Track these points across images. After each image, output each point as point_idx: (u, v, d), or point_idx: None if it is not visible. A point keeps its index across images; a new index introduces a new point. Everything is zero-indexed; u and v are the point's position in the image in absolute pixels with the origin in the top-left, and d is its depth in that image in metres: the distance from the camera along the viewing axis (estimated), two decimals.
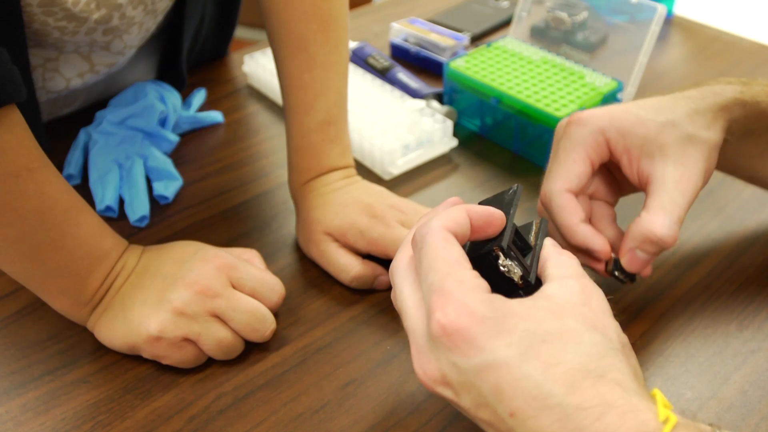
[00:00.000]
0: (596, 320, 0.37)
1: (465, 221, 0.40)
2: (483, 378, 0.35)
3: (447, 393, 0.37)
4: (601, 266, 0.52)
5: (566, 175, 0.51)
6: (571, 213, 0.51)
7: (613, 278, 0.53)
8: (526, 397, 0.34)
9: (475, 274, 0.38)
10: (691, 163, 0.50)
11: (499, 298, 0.37)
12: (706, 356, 0.53)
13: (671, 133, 0.50)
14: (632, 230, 0.50)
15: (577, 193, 0.52)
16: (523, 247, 0.43)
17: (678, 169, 0.49)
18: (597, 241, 0.51)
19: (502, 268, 0.39)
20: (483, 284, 0.37)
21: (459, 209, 0.40)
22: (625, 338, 0.38)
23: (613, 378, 0.34)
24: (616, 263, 0.52)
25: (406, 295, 0.40)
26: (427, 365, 0.37)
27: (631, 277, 0.52)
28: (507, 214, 0.41)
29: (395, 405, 0.50)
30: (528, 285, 0.40)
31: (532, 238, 0.44)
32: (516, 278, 0.40)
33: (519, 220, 0.44)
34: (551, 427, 0.34)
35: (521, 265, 0.40)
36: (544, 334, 0.35)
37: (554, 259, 0.41)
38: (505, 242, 0.40)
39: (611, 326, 0.37)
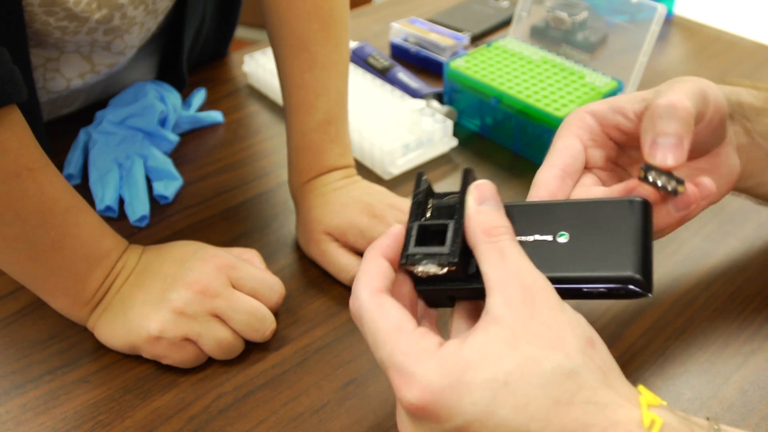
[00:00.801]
0: (549, 332, 0.35)
1: (384, 267, 0.39)
2: None
3: None
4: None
5: (550, 156, 0.48)
6: (537, 188, 0.46)
7: (656, 188, 0.42)
8: None
9: (419, 333, 0.37)
10: (685, 82, 0.45)
11: (449, 355, 0.35)
12: (706, 356, 0.53)
13: (668, 83, 0.46)
14: (643, 125, 0.44)
15: (567, 170, 0.47)
16: (442, 228, 0.40)
17: (672, 85, 0.45)
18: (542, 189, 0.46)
19: (421, 275, 0.39)
20: (429, 346, 0.36)
21: (372, 263, 0.40)
22: (583, 332, 0.36)
23: (582, 398, 0.34)
24: (647, 168, 0.42)
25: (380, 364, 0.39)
26: (408, 430, 0.38)
27: (675, 179, 0.41)
28: (411, 217, 0.40)
29: (395, 405, 0.50)
30: (459, 265, 0.38)
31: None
32: (439, 272, 0.38)
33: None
34: None
35: (436, 256, 0.38)
36: (505, 377, 0.34)
37: (481, 248, 0.38)
38: (403, 258, 0.39)
39: (565, 330, 0.35)
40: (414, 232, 0.40)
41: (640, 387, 0.36)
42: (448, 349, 0.36)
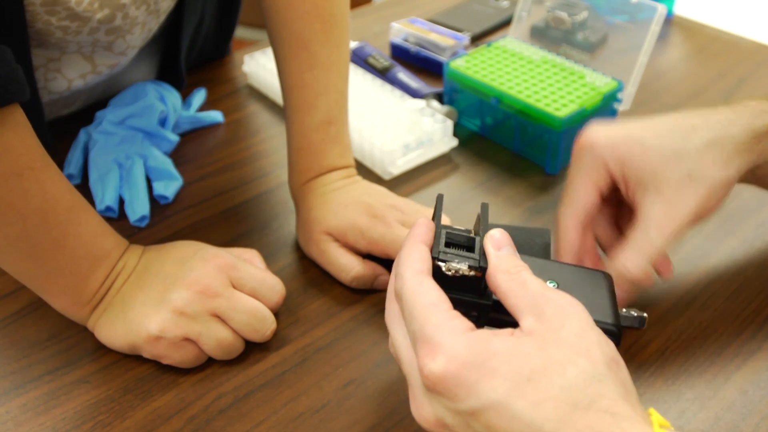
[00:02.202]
0: (578, 341, 0.36)
1: (424, 252, 0.42)
2: (476, 419, 0.36)
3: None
4: None
5: (572, 203, 0.52)
6: (565, 245, 0.53)
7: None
8: None
9: (454, 314, 0.38)
10: (682, 203, 0.49)
11: (479, 339, 0.37)
12: (706, 356, 0.53)
13: (671, 168, 0.49)
14: (609, 265, 0.50)
15: (586, 221, 0.53)
16: (468, 243, 0.44)
17: (664, 207, 0.49)
18: (568, 247, 0.52)
19: (447, 272, 0.41)
20: (460, 325, 0.38)
21: (413, 248, 0.42)
22: (610, 350, 0.37)
23: (601, 407, 0.34)
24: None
25: (398, 343, 0.41)
26: (423, 410, 0.39)
27: (640, 321, 0.50)
28: (437, 223, 0.44)
29: (395, 405, 0.50)
30: (483, 276, 0.41)
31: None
32: (467, 272, 0.41)
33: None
34: None
35: (468, 259, 0.42)
36: (529, 373, 0.35)
37: (505, 286, 0.40)
38: (435, 251, 0.42)
39: (594, 344, 0.36)
40: (443, 237, 0.43)
41: (651, 410, 0.36)
42: (479, 334, 0.37)
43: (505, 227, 0.44)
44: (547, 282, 0.45)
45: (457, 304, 0.41)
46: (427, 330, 0.37)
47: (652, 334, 0.54)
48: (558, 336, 0.36)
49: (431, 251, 0.42)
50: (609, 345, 0.37)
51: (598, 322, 0.40)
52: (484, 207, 0.46)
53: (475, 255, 0.42)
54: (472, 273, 0.41)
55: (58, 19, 0.58)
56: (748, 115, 0.50)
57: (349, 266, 0.58)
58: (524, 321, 0.38)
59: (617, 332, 0.43)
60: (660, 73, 0.89)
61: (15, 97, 0.45)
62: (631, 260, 0.49)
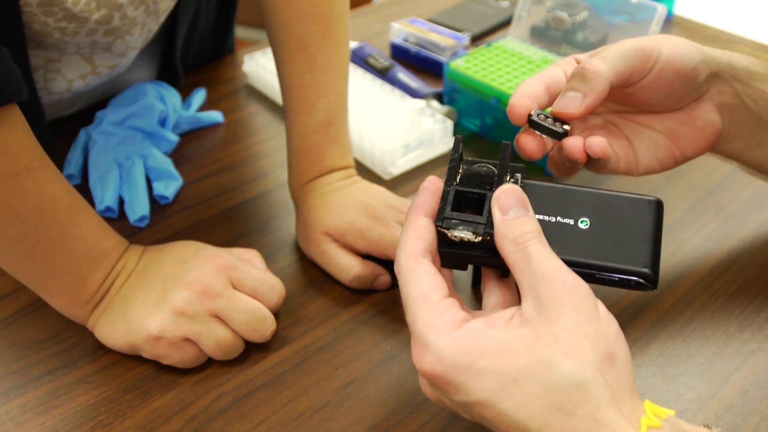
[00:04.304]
0: (570, 339, 0.36)
1: (423, 228, 0.41)
2: (469, 410, 0.38)
3: (449, 409, 0.41)
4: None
5: (536, 75, 0.50)
6: (523, 84, 0.49)
7: (534, 126, 0.47)
8: (509, 427, 0.36)
9: (445, 305, 0.38)
10: (643, 43, 0.48)
11: (468, 336, 0.37)
12: (706, 356, 0.53)
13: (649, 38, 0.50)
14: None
15: (549, 86, 0.49)
16: (479, 197, 0.41)
17: (618, 46, 0.48)
18: (520, 89, 0.48)
19: (453, 239, 0.40)
20: (449, 321, 0.37)
21: (412, 225, 0.41)
22: (605, 345, 0.36)
23: (584, 413, 0.34)
24: (539, 110, 0.47)
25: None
26: (425, 388, 0.41)
27: (559, 130, 0.47)
28: (447, 181, 0.42)
29: (395, 405, 0.50)
30: (491, 235, 0.40)
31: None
32: (473, 239, 0.40)
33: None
34: None
35: (475, 224, 0.40)
36: (516, 373, 0.35)
37: (511, 258, 0.39)
38: (439, 219, 0.40)
39: (587, 341, 0.36)
40: (451, 197, 0.41)
41: (646, 402, 0.36)
42: (468, 330, 0.37)
43: (604, 194, 0.42)
44: (579, 221, 0.42)
45: (475, 259, 0.41)
46: (417, 327, 0.38)
47: (653, 334, 0.54)
48: (551, 332, 0.36)
49: (436, 217, 0.40)
50: (606, 338, 0.36)
51: (624, 272, 0.39)
52: (504, 148, 0.43)
53: (483, 218, 0.40)
54: (479, 239, 0.40)
55: (56, 20, 0.58)
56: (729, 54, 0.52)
57: (348, 266, 0.58)
58: (525, 303, 0.38)
59: (650, 275, 0.40)
60: None
61: (12, 97, 0.45)
62: (591, 58, 0.48)
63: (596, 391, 0.35)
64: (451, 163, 0.43)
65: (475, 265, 0.42)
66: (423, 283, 0.39)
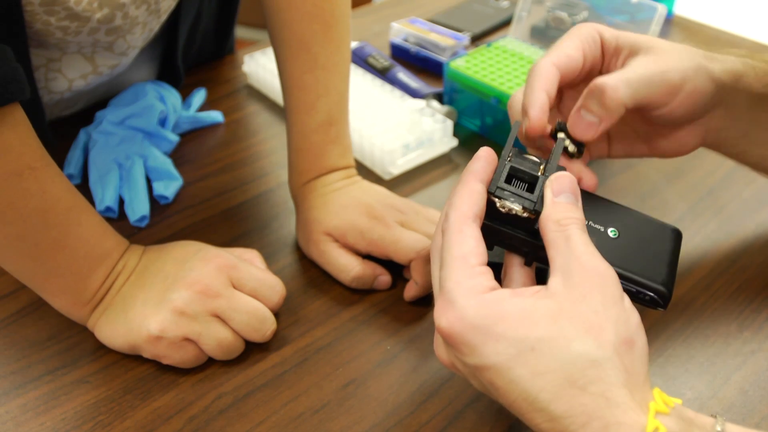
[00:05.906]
0: (593, 318, 0.36)
1: (477, 192, 0.41)
2: (480, 375, 0.38)
3: (460, 374, 0.41)
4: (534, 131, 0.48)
5: (556, 52, 0.50)
6: (541, 78, 0.48)
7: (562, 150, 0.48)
8: (517, 398, 0.36)
9: (479, 271, 0.39)
10: (672, 59, 0.48)
11: (493, 301, 0.37)
12: (706, 356, 0.53)
13: (665, 42, 0.50)
14: (585, 90, 0.48)
15: (560, 64, 0.49)
16: (531, 180, 0.43)
17: (653, 57, 0.48)
18: (536, 105, 0.47)
19: (502, 209, 0.41)
20: (480, 285, 0.38)
21: (466, 187, 0.41)
22: (626, 330, 0.37)
23: (597, 390, 0.35)
24: (561, 125, 0.49)
25: (434, 275, 0.42)
26: (439, 350, 0.41)
27: (578, 146, 0.49)
28: (504, 157, 0.43)
29: (395, 405, 0.50)
30: (537, 217, 0.41)
31: (540, 170, 0.43)
32: (521, 213, 0.41)
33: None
34: (543, 425, 0.36)
35: (523, 199, 0.41)
36: (534, 342, 0.36)
37: (550, 236, 0.40)
38: (493, 187, 0.41)
39: (609, 322, 0.36)
40: (506, 170, 0.42)
41: (656, 390, 0.36)
42: (495, 295, 0.38)
43: (633, 212, 0.45)
44: (608, 229, 0.44)
45: (509, 239, 0.42)
46: (447, 284, 0.38)
47: (653, 334, 0.54)
48: (576, 308, 0.36)
49: (489, 186, 0.41)
50: (628, 323, 0.37)
51: (643, 285, 0.41)
52: (559, 142, 0.45)
53: (534, 197, 0.41)
54: (526, 215, 0.41)
55: (58, 19, 0.58)
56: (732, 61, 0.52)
57: (348, 266, 0.58)
58: (553, 279, 0.38)
59: (666, 294, 0.42)
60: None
61: (15, 96, 0.45)
62: (610, 79, 0.47)
63: (612, 371, 0.35)
64: (507, 140, 0.44)
65: (506, 246, 0.43)
66: (466, 245, 0.39)
